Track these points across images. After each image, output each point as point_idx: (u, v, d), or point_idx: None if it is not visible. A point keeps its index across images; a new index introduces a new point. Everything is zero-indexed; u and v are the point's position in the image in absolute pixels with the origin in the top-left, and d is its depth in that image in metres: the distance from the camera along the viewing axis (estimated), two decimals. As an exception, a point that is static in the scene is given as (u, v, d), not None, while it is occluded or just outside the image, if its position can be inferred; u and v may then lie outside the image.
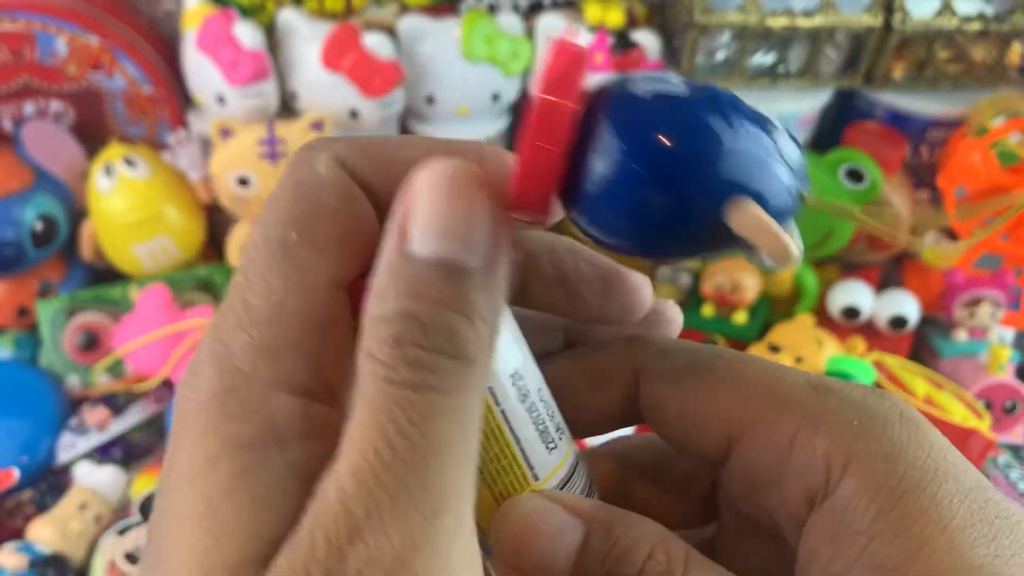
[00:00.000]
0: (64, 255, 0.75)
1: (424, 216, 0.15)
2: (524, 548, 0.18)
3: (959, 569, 0.16)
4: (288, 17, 0.69)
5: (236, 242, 0.74)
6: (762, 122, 0.16)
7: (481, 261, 0.15)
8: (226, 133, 0.66)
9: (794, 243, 0.17)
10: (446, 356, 0.15)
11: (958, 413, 0.65)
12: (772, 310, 0.77)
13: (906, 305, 0.73)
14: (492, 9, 0.74)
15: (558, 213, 0.17)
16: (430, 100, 0.74)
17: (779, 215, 0.16)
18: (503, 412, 0.18)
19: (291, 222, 0.16)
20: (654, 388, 0.20)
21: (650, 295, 0.20)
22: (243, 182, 0.68)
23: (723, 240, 0.16)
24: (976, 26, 0.69)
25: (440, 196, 0.15)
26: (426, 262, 0.15)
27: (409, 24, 0.70)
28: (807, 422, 0.18)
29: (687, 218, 0.15)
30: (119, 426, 0.64)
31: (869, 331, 0.74)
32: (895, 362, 0.69)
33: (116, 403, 0.66)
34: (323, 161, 0.17)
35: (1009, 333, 0.79)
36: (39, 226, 0.68)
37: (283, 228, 0.16)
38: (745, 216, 0.16)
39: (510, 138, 0.83)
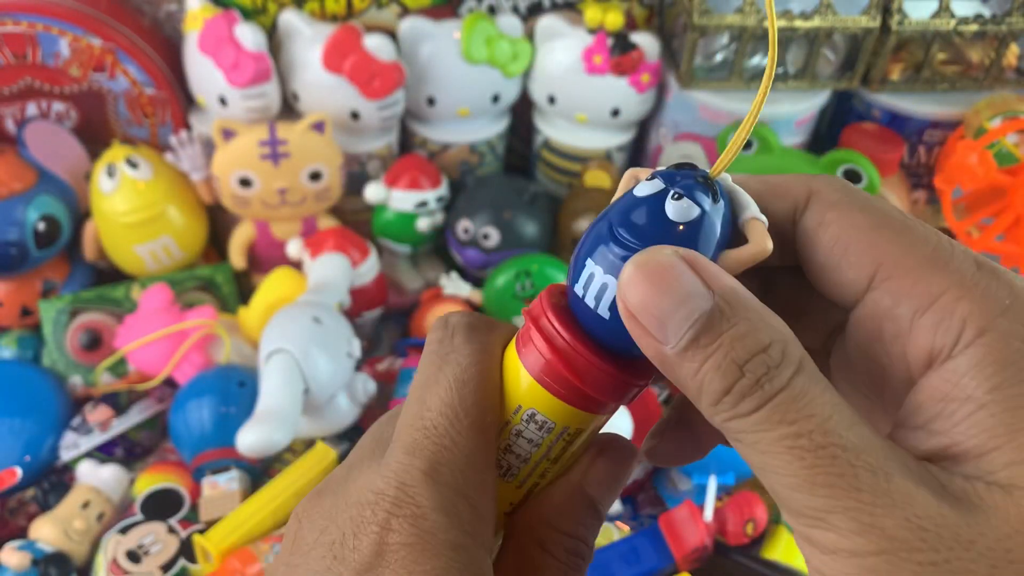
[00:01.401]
0: (67, 255, 0.75)
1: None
2: (648, 300, 0.18)
3: None
4: (289, 19, 0.69)
5: (237, 242, 0.75)
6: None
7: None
8: (228, 134, 0.67)
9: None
10: None
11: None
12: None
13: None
14: (492, 11, 0.75)
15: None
16: (431, 101, 0.74)
17: None
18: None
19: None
20: (822, 210, 0.20)
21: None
22: (245, 182, 0.69)
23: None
24: (973, 28, 0.69)
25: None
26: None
27: (409, 26, 0.71)
28: (958, 286, 0.17)
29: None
30: (121, 425, 0.64)
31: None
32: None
33: (118, 402, 0.66)
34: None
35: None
36: (42, 226, 0.69)
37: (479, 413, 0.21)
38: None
39: (511, 138, 0.83)
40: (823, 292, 0.20)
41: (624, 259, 0.19)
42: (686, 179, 0.20)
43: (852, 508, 0.16)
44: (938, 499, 0.16)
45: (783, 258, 0.21)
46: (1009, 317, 0.17)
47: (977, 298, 0.17)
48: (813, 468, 0.16)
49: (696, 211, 0.19)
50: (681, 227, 0.19)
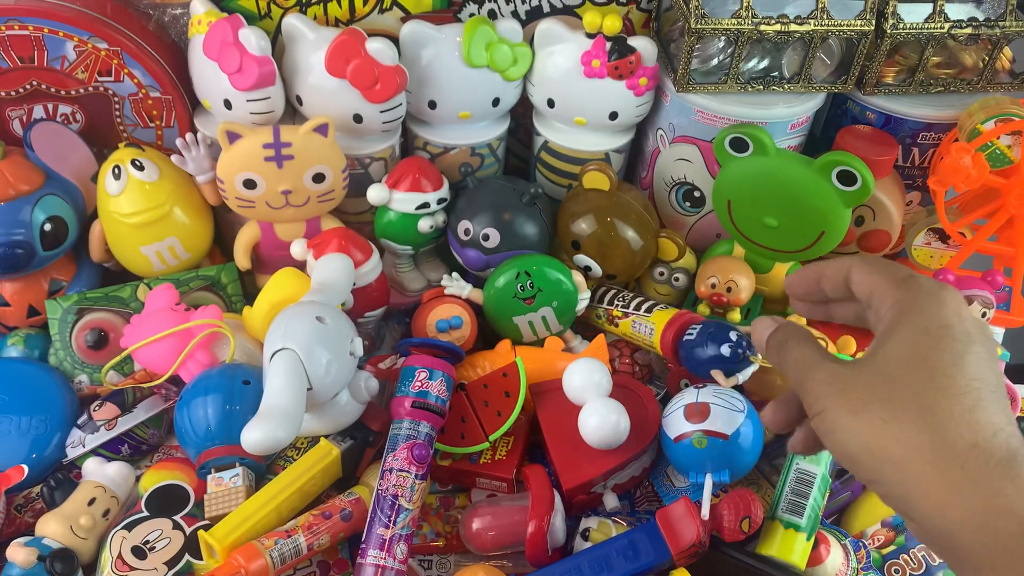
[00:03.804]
0: (73, 256, 0.76)
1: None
2: (753, 331, 0.44)
3: (900, 363, 0.35)
4: (293, 23, 0.70)
5: (242, 243, 0.75)
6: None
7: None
8: (232, 136, 0.67)
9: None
10: None
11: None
12: (766, 309, 0.78)
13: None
14: (492, 16, 0.75)
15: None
16: (432, 105, 0.75)
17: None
18: None
19: None
20: (853, 274, 0.41)
21: None
22: (249, 184, 0.70)
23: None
24: (967, 31, 0.70)
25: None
26: None
27: (411, 30, 0.71)
28: (895, 287, 0.38)
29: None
30: (127, 423, 0.65)
31: (861, 330, 0.75)
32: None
33: (124, 400, 0.67)
34: None
35: (999, 332, 0.80)
36: (49, 227, 0.70)
37: None
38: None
39: (511, 141, 0.84)
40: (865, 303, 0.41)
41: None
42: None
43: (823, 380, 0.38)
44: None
45: (839, 294, 0.42)
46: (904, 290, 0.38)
47: (899, 289, 0.38)
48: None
49: None
50: None
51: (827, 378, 0.37)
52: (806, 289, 0.43)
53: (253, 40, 0.66)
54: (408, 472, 0.57)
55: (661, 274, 0.78)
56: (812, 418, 0.37)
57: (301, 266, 0.71)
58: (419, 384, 0.60)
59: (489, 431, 0.65)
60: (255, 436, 0.52)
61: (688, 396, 0.63)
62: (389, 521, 0.55)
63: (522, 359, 0.68)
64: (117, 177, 0.69)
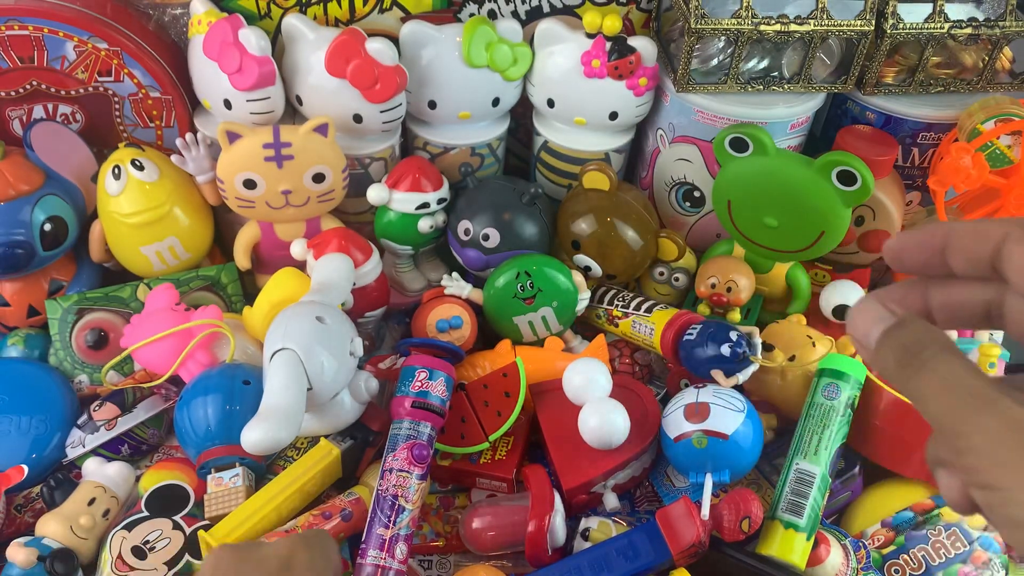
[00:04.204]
0: (73, 256, 0.76)
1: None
2: (852, 323, 0.29)
3: None
4: (293, 23, 0.70)
5: (242, 243, 0.75)
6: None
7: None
8: (232, 136, 0.67)
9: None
10: None
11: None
12: (765, 309, 0.78)
13: (898, 305, 0.74)
14: (492, 15, 0.75)
15: None
16: (432, 105, 0.75)
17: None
18: None
19: None
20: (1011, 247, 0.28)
21: None
22: (249, 184, 0.70)
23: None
24: (966, 31, 0.70)
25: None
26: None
27: (411, 30, 0.71)
28: None
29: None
30: (127, 423, 0.65)
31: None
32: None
33: (124, 400, 0.67)
34: None
35: (999, 332, 0.80)
36: (49, 227, 0.70)
37: None
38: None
39: (510, 141, 0.84)
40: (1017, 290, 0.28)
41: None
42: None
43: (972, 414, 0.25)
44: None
45: (974, 271, 0.29)
46: None
47: None
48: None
49: None
50: None
51: (1008, 435, 0.24)
52: (925, 258, 0.29)
53: (253, 40, 0.66)
54: (408, 472, 0.57)
55: (661, 274, 0.78)
56: (976, 488, 0.25)
57: (301, 266, 0.71)
58: (419, 384, 0.61)
59: (489, 431, 0.65)
60: (255, 436, 0.52)
61: (688, 396, 0.63)
62: (389, 521, 0.55)
63: (522, 359, 0.68)
64: (117, 177, 0.69)
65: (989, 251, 0.28)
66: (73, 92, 0.71)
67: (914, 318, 0.28)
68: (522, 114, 0.82)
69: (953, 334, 0.76)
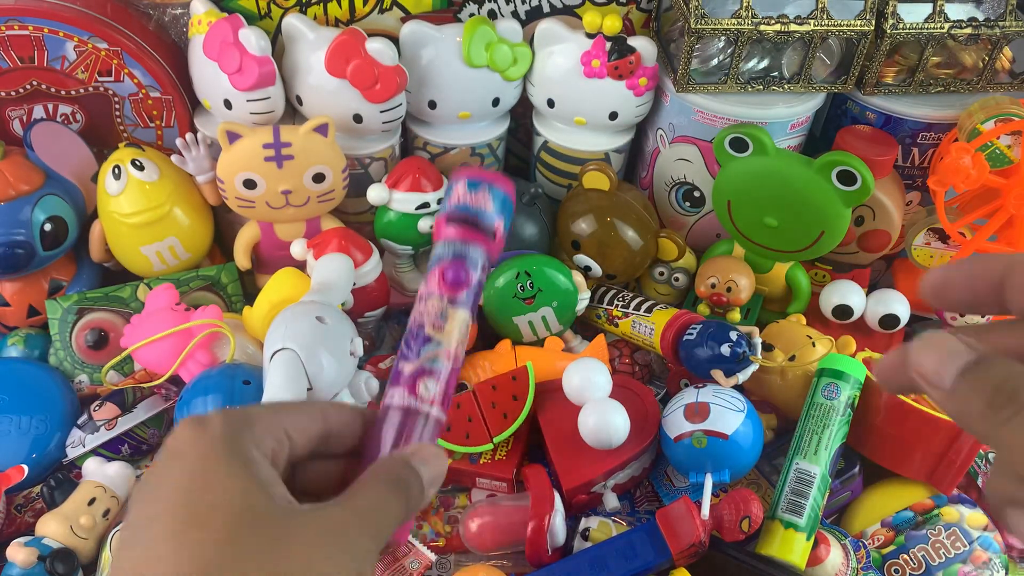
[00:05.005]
0: (73, 256, 0.76)
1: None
2: (917, 358, 0.25)
3: None
4: (293, 23, 0.70)
5: (242, 243, 0.75)
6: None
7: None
8: (232, 136, 0.67)
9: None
10: None
11: (949, 411, 0.66)
12: (765, 309, 0.78)
13: (897, 304, 0.74)
14: (492, 15, 0.75)
15: None
16: (432, 105, 0.75)
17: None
18: None
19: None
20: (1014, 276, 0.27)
21: None
22: (249, 184, 0.70)
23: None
24: (966, 31, 0.70)
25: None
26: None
27: (411, 30, 0.71)
28: None
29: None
30: (127, 423, 0.65)
31: (860, 330, 0.75)
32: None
33: (124, 400, 0.67)
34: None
35: None
36: (49, 227, 0.70)
37: None
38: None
39: (510, 141, 0.84)
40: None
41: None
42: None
43: None
44: None
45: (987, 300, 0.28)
46: None
47: None
48: None
49: None
50: None
51: None
52: (974, 295, 0.28)
53: (253, 40, 0.66)
54: (439, 297, 0.41)
55: (661, 274, 0.78)
56: None
57: (301, 266, 0.71)
58: (458, 198, 0.40)
59: (494, 433, 0.65)
60: (255, 436, 0.52)
61: (688, 396, 0.63)
62: (411, 353, 0.41)
63: (528, 363, 0.68)
64: (117, 177, 0.69)
65: (991, 281, 0.26)
66: (73, 92, 0.71)
67: (997, 355, 0.25)
68: (522, 114, 0.82)
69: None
